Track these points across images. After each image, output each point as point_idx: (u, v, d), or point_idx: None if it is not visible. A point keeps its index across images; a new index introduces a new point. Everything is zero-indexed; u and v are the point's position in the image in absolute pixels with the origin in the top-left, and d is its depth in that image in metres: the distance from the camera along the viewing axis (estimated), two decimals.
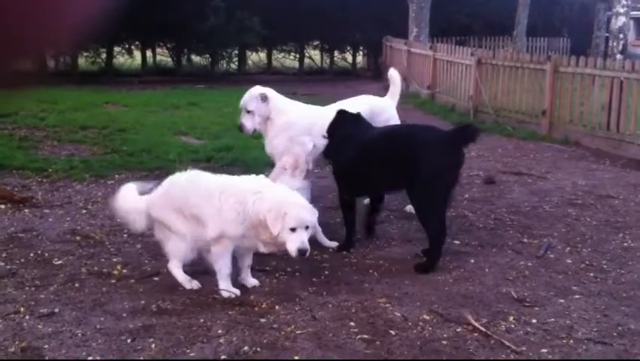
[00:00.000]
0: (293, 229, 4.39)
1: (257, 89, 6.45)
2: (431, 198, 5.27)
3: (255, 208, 4.45)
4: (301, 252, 4.38)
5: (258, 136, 6.99)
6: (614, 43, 17.79)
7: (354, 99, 6.92)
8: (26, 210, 6.68)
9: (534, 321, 4.39)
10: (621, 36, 18.23)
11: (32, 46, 0.92)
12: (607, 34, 21.19)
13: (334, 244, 5.75)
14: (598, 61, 11.43)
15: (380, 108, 6.78)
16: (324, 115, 6.38)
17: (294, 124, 6.37)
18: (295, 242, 4.37)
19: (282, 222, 4.36)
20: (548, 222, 6.67)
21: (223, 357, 3.84)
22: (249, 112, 6.38)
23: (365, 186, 5.82)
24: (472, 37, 24.12)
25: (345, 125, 5.85)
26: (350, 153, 5.63)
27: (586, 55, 13.03)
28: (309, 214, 4.50)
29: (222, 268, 4.68)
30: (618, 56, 16.72)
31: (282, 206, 4.40)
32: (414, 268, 5.27)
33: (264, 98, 6.35)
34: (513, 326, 4.34)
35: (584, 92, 11.27)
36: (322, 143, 6.06)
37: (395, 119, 6.87)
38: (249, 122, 6.42)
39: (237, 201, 4.54)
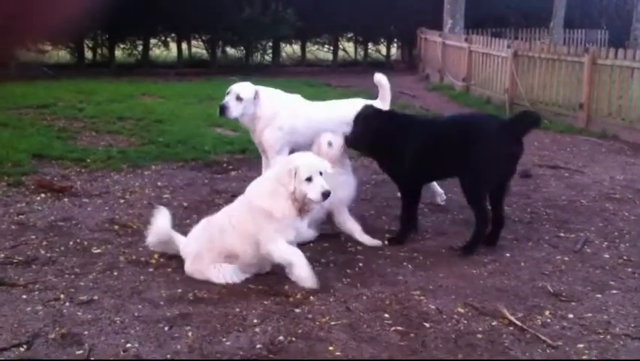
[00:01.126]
0: (309, 179, 4.62)
1: (253, 87, 6.41)
2: (480, 185, 5.47)
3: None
4: (324, 195, 4.62)
5: None
6: None
7: (344, 100, 6.88)
8: (66, 200, 6.80)
9: (570, 316, 4.36)
10: None
11: (27, 35, 0.96)
12: None
13: (377, 242, 5.66)
14: (637, 53, 11.22)
15: None
16: (309, 106, 6.59)
17: (280, 112, 6.37)
18: (315, 189, 4.63)
19: (297, 177, 4.62)
20: (585, 217, 6.59)
21: (258, 346, 3.88)
22: (238, 99, 6.27)
23: (427, 175, 6.00)
24: (508, 28, 23.84)
25: (388, 120, 5.83)
26: (412, 143, 5.60)
27: (624, 47, 12.80)
28: (318, 160, 4.77)
29: (293, 256, 4.70)
30: None
31: (289, 164, 4.68)
32: (460, 249, 5.51)
33: (257, 96, 6.34)
34: (549, 320, 4.31)
35: (623, 84, 11.09)
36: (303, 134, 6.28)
37: None
38: (235, 109, 6.27)
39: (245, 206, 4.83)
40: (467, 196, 5.56)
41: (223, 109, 6.32)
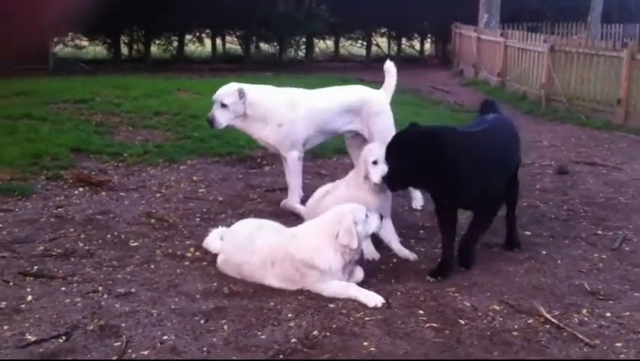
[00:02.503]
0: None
1: (234, 85, 6.23)
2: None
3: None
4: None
5: None
6: None
7: (344, 88, 6.79)
8: (103, 193, 6.91)
9: (608, 314, 4.30)
10: None
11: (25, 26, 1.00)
12: None
13: (413, 255, 5.32)
14: None
15: (369, 99, 6.49)
16: (306, 95, 6.44)
17: (275, 107, 6.19)
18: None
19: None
20: (623, 214, 6.49)
21: (293, 340, 3.90)
22: (223, 106, 6.15)
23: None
24: (544, 23, 23.52)
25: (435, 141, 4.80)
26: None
27: None
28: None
29: (346, 290, 4.57)
30: None
31: (342, 217, 4.63)
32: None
33: (242, 95, 6.13)
34: (586, 318, 4.26)
35: None
36: (308, 126, 6.30)
37: (387, 112, 6.48)
38: (222, 117, 6.18)
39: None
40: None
41: (210, 122, 6.24)
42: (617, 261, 5.27)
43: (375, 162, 5.13)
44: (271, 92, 6.37)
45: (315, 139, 6.42)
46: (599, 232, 5.97)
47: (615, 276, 4.96)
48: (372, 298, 4.37)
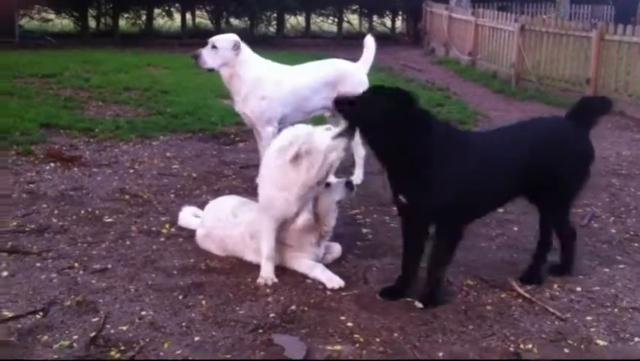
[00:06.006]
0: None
1: (234, 35, 6.24)
2: None
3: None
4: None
5: None
6: None
7: (322, 62, 6.78)
8: (75, 169, 6.84)
9: (578, 289, 4.41)
10: None
11: None
12: None
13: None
14: None
15: (349, 72, 6.52)
16: (292, 73, 6.42)
17: (264, 80, 6.17)
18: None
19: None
20: (592, 192, 6.60)
21: (272, 315, 3.93)
22: (214, 47, 6.09)
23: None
24: (514, 3, 23.64)
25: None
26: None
27: (630, 23, 12.73)
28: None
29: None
30: None
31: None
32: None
33: (237, 47, 6.11)
34: (557, 293, 4.36)
35: (630, 60, 11.06)
36: (287, 104, 6.21)
37: (364, 85, 6.33)
38: (209, 57, 6.10)
39: None
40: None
41: (195, 57, 6.16)
42: (586, 237, 5.37)
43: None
44: (264, 64, 6.35)
45: (291, 117, 6.41)
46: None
47: (584, 252, 5.06)
48: (334, 281, 4.35)
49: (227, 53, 6.11)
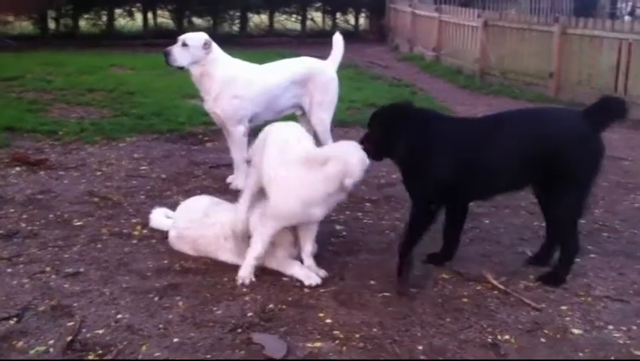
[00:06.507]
0: None
1: (204, 34, 6.17)
2: None
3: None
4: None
5: None
6: (623, 5, 17.68)
7: (291, 60, 6.77)
8: (42, 173, 6.71)
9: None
10: None
11: None
12: None
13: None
14: (606, 23, 11.39)
15: (318, 70, 6.52)
16: (262, 71, 6.38)
17: (234, 79, 6.14)
18: None
19: None
20: None
21: (250, 314, 3.91)
22: (184, 45, 6.04)
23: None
24: None
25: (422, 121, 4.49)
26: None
27: (590, 17, 12.96)
28: None
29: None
30: (626, 18, 16.64)
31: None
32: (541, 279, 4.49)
33: (208, 45, 6.08)
34: (531, 284, 4.42)
35: (593, 54, 11.25)
36: (258, 103, 6.16)
37: (334, 83, 6.55)
38: (179, 55, 6.03)
39: None
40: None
41: (166, 54, 6.09)
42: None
43: None
44: (234, 63, 6.30)
45: (262, 116, 6.38)
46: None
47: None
48: (311, 278, 4.35)
49: (197, 52, 6.07)
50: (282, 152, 4.36)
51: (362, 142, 4.44)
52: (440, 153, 4.32)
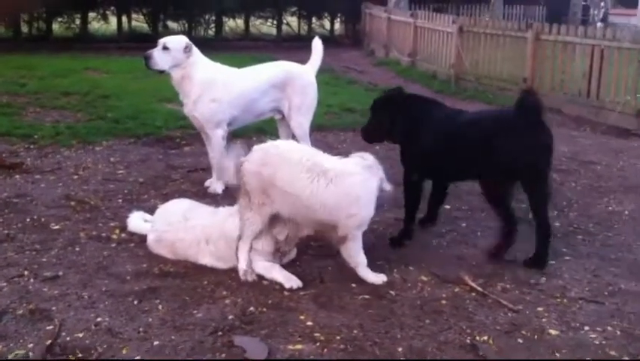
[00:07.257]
0: None
1: (185, 38, 6.21)
2: None
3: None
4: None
5: None
6: (595, 12, 17.96)
7: (270, 64, 6.81)
8: (17, 176, 6.66)
9: (530, 281, 4.55)
10: (602, 4, 18.38)
11: None
12: (584, 2, 21.30)
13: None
14: (579, 29, 11.57)
15: (297, 75, 6.57)
16: (241, 75, 6.41)
17: (214, 82, 6.15)
18: None
19: None
20: None
21: (230, 317, 3.92)
22: (165, 49, 6.06)
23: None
24: (450, 4, 24.07)
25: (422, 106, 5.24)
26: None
27: (563, 23, 13.16)
28: None
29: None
30: (599, 24, 16.90)
31: None
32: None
33: (189, 49, 6.09)
34: (508, 286, 4.49)
35: (565, 59, 11.43)
36: (237, 106, 6.24)
37: (313, 87, 6.62)
38: (160, 58, 6.06)
39: None
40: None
41: (146, 58, 6.10)
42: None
43: None
44: (214, 66, 6.31)
45: (241, 120, 6.39)
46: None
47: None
48: (292, 281, 4.36)
49: (178, 55, 6.08)
50: (315, 165, 4.37)
51: (366, 129, 5.36)
52: (424, 133, 5.04)
